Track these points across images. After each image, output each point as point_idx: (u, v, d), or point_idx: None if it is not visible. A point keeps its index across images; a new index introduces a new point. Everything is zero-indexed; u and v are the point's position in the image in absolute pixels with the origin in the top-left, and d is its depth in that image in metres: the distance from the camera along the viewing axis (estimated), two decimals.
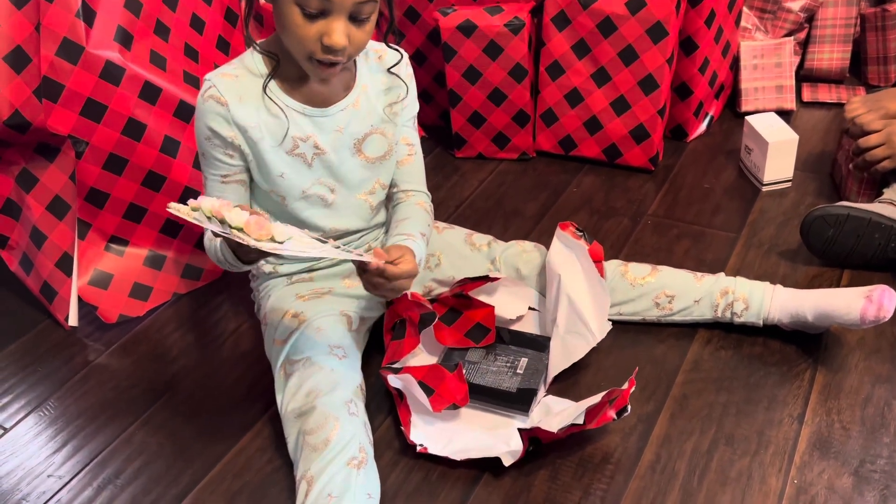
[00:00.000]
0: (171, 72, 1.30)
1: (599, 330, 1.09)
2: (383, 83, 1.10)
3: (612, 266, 1.19)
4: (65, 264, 1.28)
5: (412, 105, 1.14)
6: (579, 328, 1.09)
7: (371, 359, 1.16)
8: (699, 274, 1.17)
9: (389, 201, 1.19)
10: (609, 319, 1.13)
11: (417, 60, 1.70)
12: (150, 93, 1.25)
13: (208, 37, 1.40)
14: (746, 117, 1.48)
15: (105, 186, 1.27)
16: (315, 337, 1.07)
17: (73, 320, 1.30)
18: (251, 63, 1.01)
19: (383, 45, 1.09)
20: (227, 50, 1.47)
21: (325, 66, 0.95)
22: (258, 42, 1.02)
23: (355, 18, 0.92)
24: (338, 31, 0.91)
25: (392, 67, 1.09)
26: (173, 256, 1.37)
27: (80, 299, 1.30)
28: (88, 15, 1.18)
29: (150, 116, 1.26)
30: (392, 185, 1.17)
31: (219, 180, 1.05)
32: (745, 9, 1.70)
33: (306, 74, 1.00)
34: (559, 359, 1.09)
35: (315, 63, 0.95)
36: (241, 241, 0.82)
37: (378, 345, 1.18)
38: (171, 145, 1.30)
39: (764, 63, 1.66)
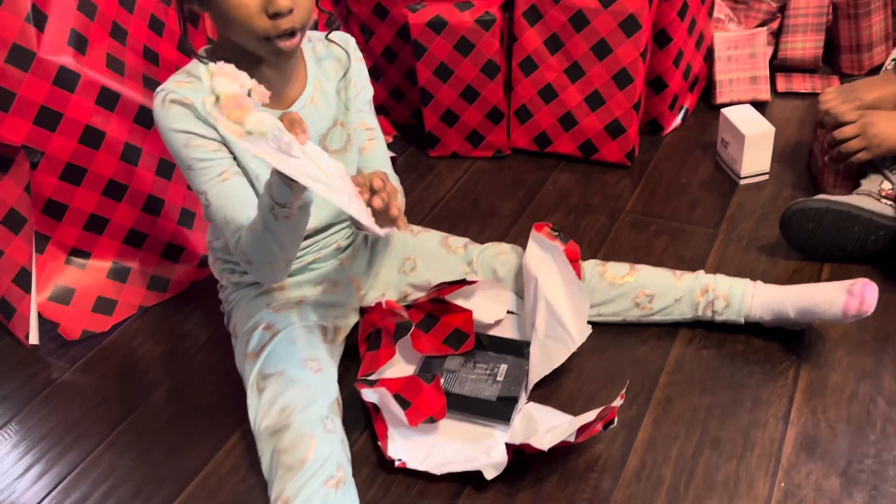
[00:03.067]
0: (129, 76, 1.25)
1: (579, 334, 1.06)
2: (334, 69, 1.06)
3: (590, 266, 1.16)
4: (23, 280, 1.23)
5: (366, 89, 1.11)
6: (559, 333, 1.07)
7: (347, 369, 1.13)
8: (679, 272, 1.15)
9: None
10: (589, 321, 1.11)
11: (387, 58, 1.66)
12: (107, 99, 1.20)
13: (168, 38, 1.35)
14: (722, 110, 1.46)
15: (63, 197, 1.22)
16: (288, 349, 1.03)
17: (33, 338, 1.24)
18: (198, 72, 0.97)
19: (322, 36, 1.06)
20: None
21: (283, 40, 0.91)
22: (199, 51, 0.99)
23: None
24: None
25: (329, 34, 1.06)
26: (138, 268, 1.32)
27: (40, 316, 1.25)
28: (39, 19, 1.13)
29: (108, 123, 1.21)
30: (357, 173, 1.12)
31: (218, 181, 0.97)
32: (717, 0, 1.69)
33: (259, 74, 0.96)
34: (539, 365, 1.06)
35: (271, 42, 0.91)
36: (207, 113, 0.74)
37: (354, 355, 1.15)
38: (131, 153, 1.25)
39: (738, 54, 1.64)
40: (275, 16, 0.89)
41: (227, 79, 0.75)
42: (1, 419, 1.16)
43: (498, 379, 1.08)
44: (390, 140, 1.66)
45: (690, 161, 1.54)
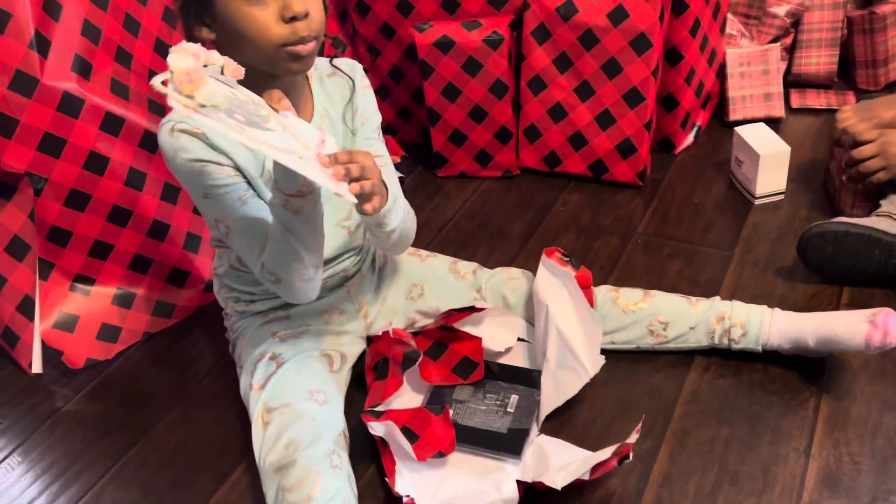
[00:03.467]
0: (134, 101, 1.23)
1: (592, 365, 1.04)
2: (340, 96, 1.05)
3: (602, 292, 1.14)
4: (26, 308, 1.21)
5: (374, 117, 1.09)
6: (571, 363, 1.04)
7: (354, 399, 1.10)
8: (693, 298, 1.12)
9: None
10: (602, 348, 1.08)
11: (395, 77, 1.64)
12: (112, 124, 1.19)
13: None
14: (736, 129, 1.44)
15: (67, 224, 1.21)
16: (294, 381, 1.01)
17: (36, 367, 1.23)
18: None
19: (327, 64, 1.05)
20: None
21: (298, 48, 0.89)
22: None
23: None
24: None
25: (333, 60, 1.04)
26: (143, 293, 1.31)
27: (44, 344, 1.23)
28: (42, 45, 1.11)
29: (113, 149, 1.20)
30: None
31: (238, 206, 0.93)
32: (729, 15, 1.66)
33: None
34: (551, 396, 1.03)
35: (287, 51, 0.89)
36: (157, 90, 0.72)
37: (361, 383, 1.12)
38: (136, 178, 1.23)
39: (751, 70, 1.62)
40: (291, 20, 0.87)
41: (181, 54, 0.74)
42: (4, 450, 1.14)
43: (508, 410, 1.05)
44: (398, 160, 1.64)
45: (704, 180, 1.51)
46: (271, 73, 0.92)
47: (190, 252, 1.34)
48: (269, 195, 0.97)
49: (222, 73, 0.78)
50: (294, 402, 0.98)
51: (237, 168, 0.95)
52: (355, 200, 0.85)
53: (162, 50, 1.31)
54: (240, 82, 0.83)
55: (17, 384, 1.24)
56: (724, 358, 1.12)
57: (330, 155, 0.84)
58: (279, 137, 0.79)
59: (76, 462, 1.11)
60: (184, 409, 1.17)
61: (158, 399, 1.19)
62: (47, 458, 1.12)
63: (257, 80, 0.89)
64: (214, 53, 0.78)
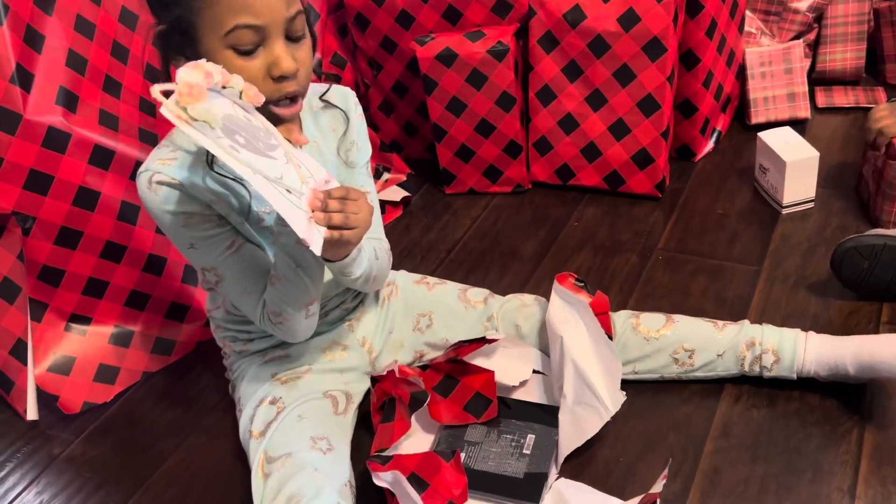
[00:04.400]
0: (124, 131, 1.18)
1: (612, 402, 0.96)
2: (331, 127, 0.99)
3: (621, 318, 1.06)
4: (19, 352, 1.16)
5: (364, 150, 1.03)
6: (589, 399, 0.97)
7: (361, 441, 1.04)
8: (721, 323, 1.04)
9: None
10: (623, 379, 1.01)
11: (398, 92, 1.58)
12: (101, 157, 1.14)
13: None
14: (759, 134, 1.35)
15: (59, 262, 1.16)
16: (295, 428, 0.95)
17: (32, 414, 1.18)
18: (183, 141, 0.90)
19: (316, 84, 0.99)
20: None
21: (284, 106, 0.85)
22: None
23: (291, 38, 0.83)
24: (283, 55, 0.82)
25: (323, 95, 0.99)
26: (141, 331, 1.26)
27: (39, 388, 1.18)
28: (25, 79, 1.07)
29: (103, 183, 1.15)
30: None
31: (228, 255, 0.91)
32: (747, 12, 1.57)
33: None
34: (570, 435, 0.96)
35: (272, 107, 0.84)
36: (154, 96, 0.71)
37: (367, 423, 1.06)
38: (129, 211, 1.18)
39: (772, 70, 1.53)
40: (279, 79, 0.82)
41: (193, 69, 0.74)
42: (2, 501, 1.09)
43: (525, 451, 0.98)
44: (404, 178, 1.58)
45: (726, 189, 1.43)
46: None
47: (189, 285, 1.28)
48: (258, 237, 0.92)
49: (241, 97, 0.78)
50: (295, 452, 0.92)
51: (220, 217, 0.90)
52: (317, 252, 0.79)
53: (153, 76, 1.26)
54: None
55: (15, 430, 1.20)
56: (755, 386, 1.04)
57: (325, 191, 0.81)
58: (275, 167, 0.77)
59: None
60: (186, 453, 1.12)
61: (159, 443, 1.14)
62: None
63: None
64: (237, 77, 0.77)
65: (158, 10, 0.85)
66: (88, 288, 1.19)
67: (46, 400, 1.20)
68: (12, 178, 1.08)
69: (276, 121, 0.86)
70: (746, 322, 1.04)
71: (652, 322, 1.05)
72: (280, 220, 0.84)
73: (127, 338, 1.25)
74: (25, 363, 1.17)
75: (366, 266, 0.95)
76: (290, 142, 0.84)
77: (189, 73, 0.74)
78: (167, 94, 0.73)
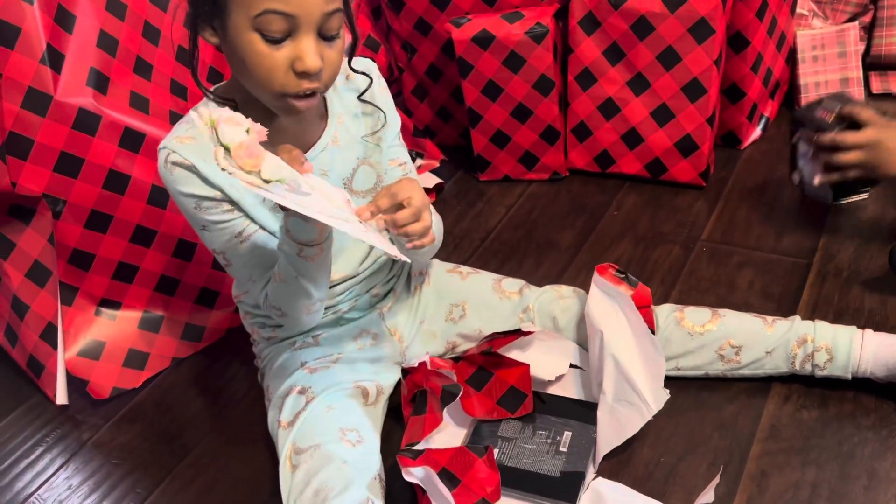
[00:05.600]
0: (154, 114, 1.16)
1: (655, 400, 0.92)
2: (357, 106, 0.96)
3: (664, 312, 1.02)
4: (49, 336, 1.16)
5: (393, 122, 1.00)
6: (630, 396, 0.93)
7: (392, 432, 1.01)
8: (770, 318, 0.99)
9: None
10: (666, 376, 0.96)
11: (432, 76, 1.54)
12: (131, 140, 1.12)
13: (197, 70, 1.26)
14: None
15: (89, 246, 1.15)
16: (324, 419, 0.92)
17: (61, 398, 1.17)
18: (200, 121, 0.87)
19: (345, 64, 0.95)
20: (220, 81, 1.33)
21: (300, 100, 0.82)
22: (212, 89, 0.90)
23: (324, 36, 0.80)
24: (310, 51, 0.79)
25: (362, 94, 0.96)
26: (171, 316, 1.24)
27: (69, 373, 1.18)
28: (55, 60, 1.05)
29: (133, 166, 1.13)
30: None
31: (237, 242, 0.90)
32: None
33: (272, 116, 0.86)
34: (609, 434, 0.92)
35: (288, 99, 0.82)
36: (221, 167, 0.69)
37: (398, 414, 1.03)
38: (159, 195, 1.16)
39: (825, 54, 1.46)
40: (301, 74, 0.80)
41: (231, 126, 0.71)
42: (31, 486, 1.09)
43: (561, 449, 0.94)
44: (437, 165, 1.54)
45: (774, 178, 1.37)
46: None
47: (219, 271, 1.27)
48: (272, 223, 0.91)
49: (247, 133, 0.74)
50: (324, 444, 0.89)
51: (232, 202, 0.89)
52: (402, 259, 0.80)
53: (184, 58, 1.24)
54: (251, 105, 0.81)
55: (45, 414, 1.19)
56: (806, 385, 0.99)
57: (370, 204, 0.80)
58: (317, 200, 0.75)
59: (103, 501, 1.05)
60: (214, 442, 1.10)
61: (188, 431, 1.13)
62: (74, 497, 1.06)
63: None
64: (240, 116, 0.73)
65: None
66: (118, 272, 1.18)
67: (76, 384, 1.20)
68: (43, 160, 1.07)
69: (288, 112, 0.84)
70: (798, 318, 0.99)
71: (697, 316, 1.01)
72: (282, 228, 0.83)
73: (156, 323, 1.23)
74: (55, 347, 1.16)
75: (439, 236, 0.95)
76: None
77: (233, 133, 0.71)
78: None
